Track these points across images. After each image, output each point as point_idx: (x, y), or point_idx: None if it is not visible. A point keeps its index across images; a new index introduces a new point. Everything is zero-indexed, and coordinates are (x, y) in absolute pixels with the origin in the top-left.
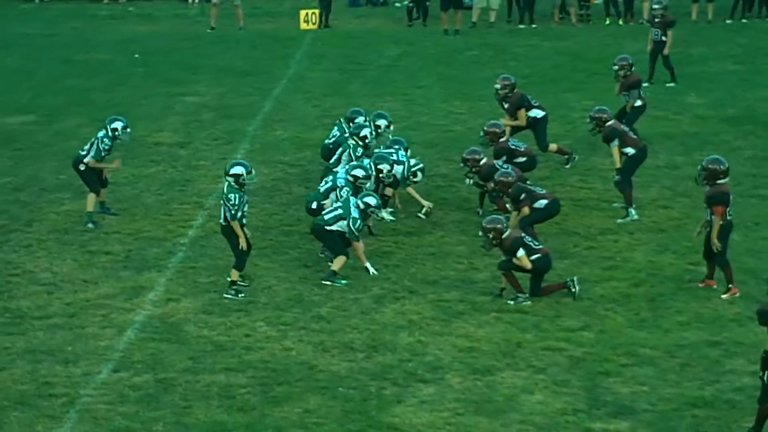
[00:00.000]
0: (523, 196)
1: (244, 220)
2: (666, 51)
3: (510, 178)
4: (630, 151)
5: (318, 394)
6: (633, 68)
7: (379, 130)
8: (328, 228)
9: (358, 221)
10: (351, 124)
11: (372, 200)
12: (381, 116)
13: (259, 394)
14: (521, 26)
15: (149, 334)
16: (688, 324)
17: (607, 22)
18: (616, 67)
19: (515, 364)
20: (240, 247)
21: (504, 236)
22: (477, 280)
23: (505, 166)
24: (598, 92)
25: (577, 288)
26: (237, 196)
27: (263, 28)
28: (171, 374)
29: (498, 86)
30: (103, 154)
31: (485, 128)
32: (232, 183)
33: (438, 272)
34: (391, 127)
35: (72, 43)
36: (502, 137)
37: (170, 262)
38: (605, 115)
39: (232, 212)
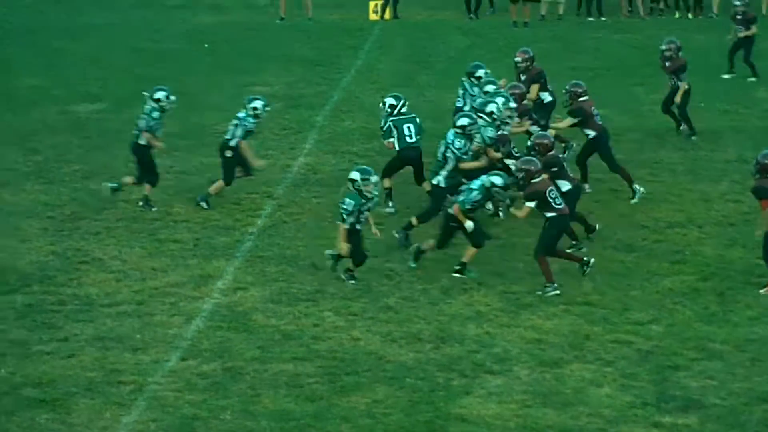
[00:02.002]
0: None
1: (358, 226)
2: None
3: (533, 167)
4: (591, 133)
5: (386, 385)
6: (680, 52)
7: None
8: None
9: (474, 193)
10: (472, 79)
11: (498, 180)
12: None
13: (326, 384)
14: (590, 19)
15: (217, 323)
16: (757, 318)
17: (677, 15)
18: (664, 47)
19: (583, 357)
20: (341, 251)
21: (533, 181)
22: None
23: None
24: (666, 86)
25: (589, 270)
26: (354, 202)
27: (332, 18)
28: (239, 363)
29: (518, 59)
30: (152, 124)
31: (534, 139)
32: (351, 187)
33: (506, 264)
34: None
35: (142, 32)
36: (552, 150)
37: (238, 251)
38: (580, 90)
39: (343, 216)
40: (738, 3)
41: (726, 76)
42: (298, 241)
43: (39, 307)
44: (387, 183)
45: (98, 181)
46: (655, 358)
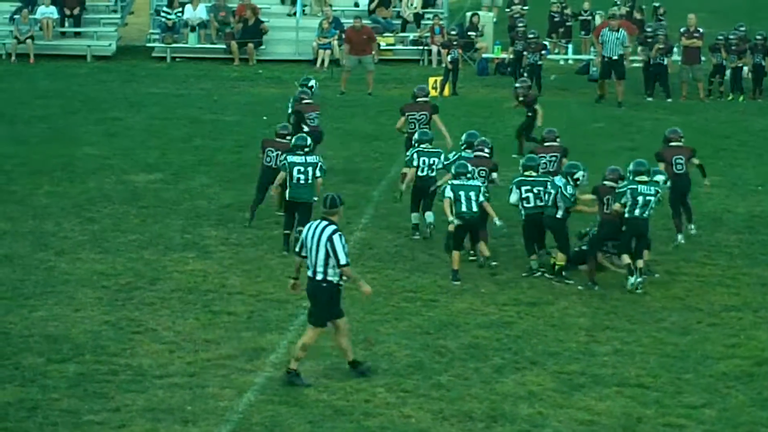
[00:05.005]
0: None
1: None
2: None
3: None
4: None
5: None
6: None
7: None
8: None
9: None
10: None
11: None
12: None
13: None
14: (649, 99)
15: (269, 396)
16: None
17: (730, 97)
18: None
19: None
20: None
21: None
22: (598, 353)
23: None
24: (724, 168)
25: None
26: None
27: (391, 93)
28: None
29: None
30: None
31: None
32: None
33: (560, 344)
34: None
35: (201, 104)
36: None
37: (292, 325)
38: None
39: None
40: (518, 85)
41: None
42: (352, 316)
43: (91, 377)
44: None
45: (154, 251)
46: None
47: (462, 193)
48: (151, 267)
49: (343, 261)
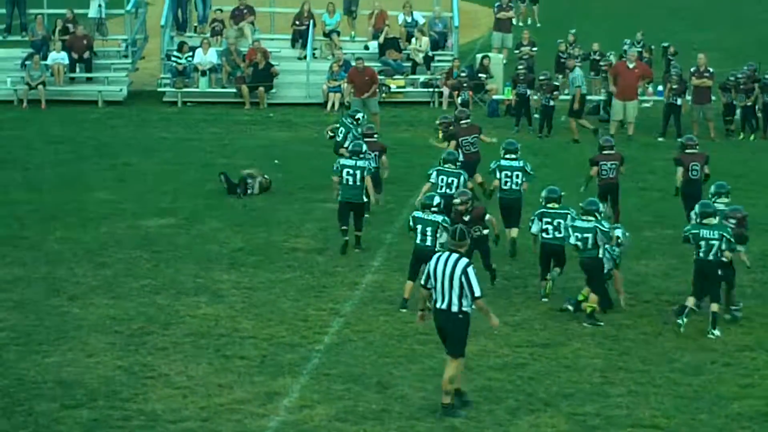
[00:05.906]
0: None
1: None
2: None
3: None
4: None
5: None
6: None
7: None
8: None
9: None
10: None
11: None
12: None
13: None
14: (660, 139)
15: None
16: None
17: (741, 136)
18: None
19: None
20: None
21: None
22: (612, 394)
23: None
24: None
25: None
26: None
27: (402, 136)
28: None
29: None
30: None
31: None
32: None
33: (573, 385)
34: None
35: (212, 148)
36: None
37: (305, 368)
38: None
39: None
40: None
41: None
42: (365, 359)
43: (104, 423)
44: None
45: (166, 296)
46: None
47: (420, 226)
48: (164, 312)
49: (478, 293)
